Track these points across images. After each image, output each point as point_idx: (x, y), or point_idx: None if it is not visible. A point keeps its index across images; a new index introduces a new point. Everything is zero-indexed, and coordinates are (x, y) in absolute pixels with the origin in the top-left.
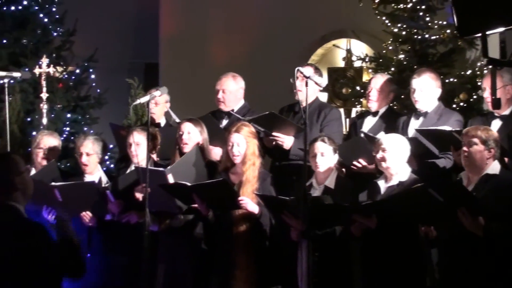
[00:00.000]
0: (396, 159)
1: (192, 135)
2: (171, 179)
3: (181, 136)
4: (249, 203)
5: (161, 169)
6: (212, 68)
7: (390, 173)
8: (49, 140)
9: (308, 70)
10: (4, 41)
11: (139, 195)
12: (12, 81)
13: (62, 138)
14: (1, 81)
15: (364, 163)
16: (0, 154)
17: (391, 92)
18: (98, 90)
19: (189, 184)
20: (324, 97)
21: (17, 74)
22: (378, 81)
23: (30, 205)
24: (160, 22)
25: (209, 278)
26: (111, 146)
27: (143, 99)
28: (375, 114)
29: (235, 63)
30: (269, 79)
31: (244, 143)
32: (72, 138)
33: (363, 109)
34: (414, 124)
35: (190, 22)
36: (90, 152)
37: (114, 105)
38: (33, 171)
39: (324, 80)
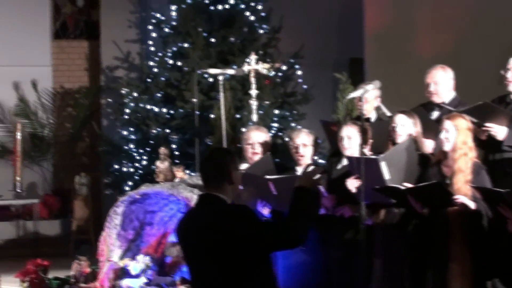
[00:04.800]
0: None
1: (406, 127)
2: (384, 167)
3: (394, 128)
4: (465, 201)
5: (373, 156)
6: (418, 61)
7: None
8: (257, 135)
9: None
10: (213, 40)
11: (351, 186)
12: (221, 79)
13: (271, 134)
14: (211, 79)
15: None
16: (223, 148)
17: None
18: (305, 86)
19: (402, 187)
20: None
21: (230, 71)
22: None
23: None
24: (364, 16)
25: (425, 273)
26: (319, 141)
27: (356, 93)
28: None
29: (442, 55)
30: (476, 70)
31: (453, 131)
32: (280, 134)
33: None
34: None
35: (396, 15)
36: (307, 143)
37: (320, 101)
38: (244, 166)
39: None
